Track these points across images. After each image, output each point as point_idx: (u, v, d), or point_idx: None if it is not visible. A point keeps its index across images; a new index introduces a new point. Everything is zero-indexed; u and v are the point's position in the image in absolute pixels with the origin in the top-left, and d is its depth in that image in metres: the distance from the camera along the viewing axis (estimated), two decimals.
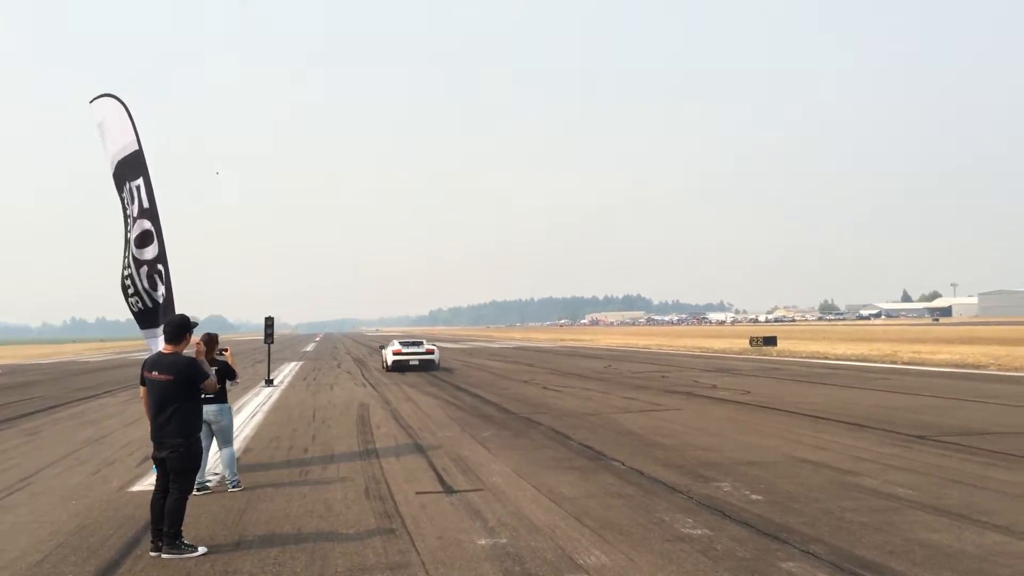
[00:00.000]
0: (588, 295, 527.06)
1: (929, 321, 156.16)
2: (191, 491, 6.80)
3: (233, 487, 9.22)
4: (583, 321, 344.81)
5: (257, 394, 22.87)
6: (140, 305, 9.98)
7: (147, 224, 9.89)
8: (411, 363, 33.91)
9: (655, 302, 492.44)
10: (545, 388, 22.82)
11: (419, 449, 12.06)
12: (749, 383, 22.89)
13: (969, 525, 7.11)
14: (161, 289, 9.71)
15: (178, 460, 6.59)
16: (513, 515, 7.72)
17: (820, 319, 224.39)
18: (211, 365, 9.45)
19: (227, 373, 9.58)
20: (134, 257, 9.93)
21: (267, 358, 29.54)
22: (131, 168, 10.05)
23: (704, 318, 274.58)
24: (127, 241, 10.13)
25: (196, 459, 6.79)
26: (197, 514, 8.01)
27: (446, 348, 63.51)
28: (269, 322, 27.48)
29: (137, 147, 10.06)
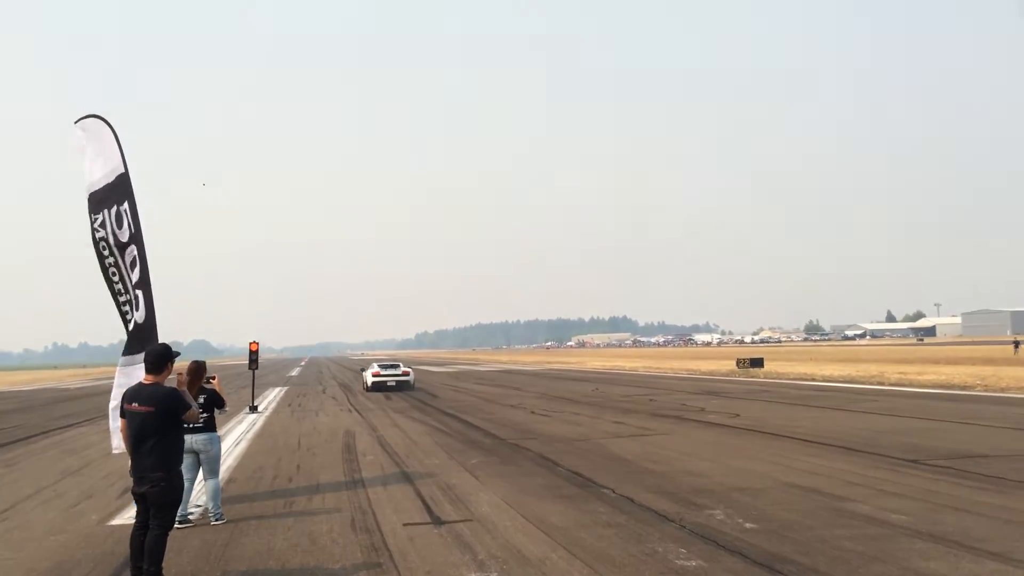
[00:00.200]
0: (574, 317, 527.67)
1: (914, 341, 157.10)
2: (172, 527, 6.60)
3: (216, 520, 9.01)
4: (569, 343, 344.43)
5: (241, 421, 22.58)
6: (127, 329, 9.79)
7: (135, 250, 9.71)
8: (388, 384, 36.54)
9: (641, 323, 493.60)
10: (533, 412, 22.65)
11: (406, 478, 11.87)
12: (738, 406, 22.80)
13: (965, 553, 7.01)
14: (138, 314, 9.51)
15: (159, 494, 6.40)
16: (503, 547, 7.55)
17: (805, 340, 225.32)
18: (199, 393, 9.29)
19: (215, 401, 9.42)
20: (131, 282, 9.70)
21: (251, 384, 29.20)
22: (118, 191, 9.85)
23: (690, 339, 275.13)
24: (117, 267, 9.89)
25: (178, 493, 6.59)
26: (179, 548, 7.82)
27: (432, 372, 63.22)
28: (253, 349, 27.18)
29: (123, 170, 9.87)
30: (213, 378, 9.70)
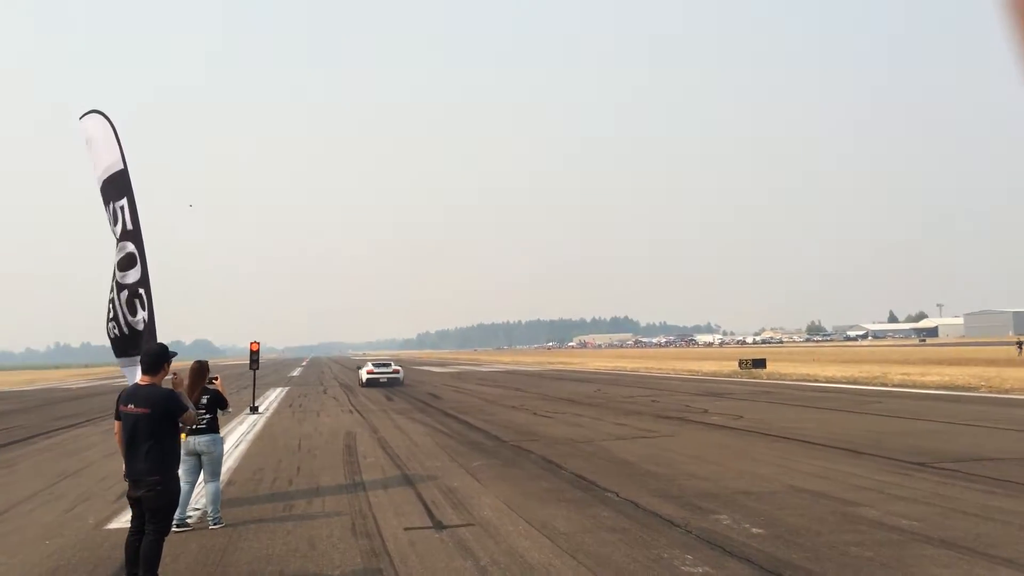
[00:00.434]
0: (575, 317, 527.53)
1: (916, 342, 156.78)
2: (168, 532, 6.46)
3: (215, 524, 8.87)
4: (571, 344, 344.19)
5: (242, 422, 22.44)
6: (116, 331, 9.64)
7: (130, 247, 9.57)
8: (381, 380, 41.06)
9: (642, 324, 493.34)
10: (535, 414, 22.51)
11: (407, 480, 11.73)
12: (741, 407, 22.65)
13: (978, 559, 6.86)
14: (141, 315, 9.38)
15: (155, 499, 6.26)
16: (506, 553, 7.41)
17: (807, 340, 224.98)
18: (202, 394, 9.17)
19: (218, 402, 9.29)
20: (116, 281, 9.61)
21: (252, 384, 29.08)
22: (116, 188, 9.75)
23: (692, 340, 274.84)
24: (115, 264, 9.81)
25: (174, 497, 6.46)
26: (176, 554, 7.69)
27: (433, 372, 63.12)
28: (254, 349, 27.07)
29: (122, 166, 9.76)
30: (216, 379, 9.58)
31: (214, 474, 9.20)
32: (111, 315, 9.65)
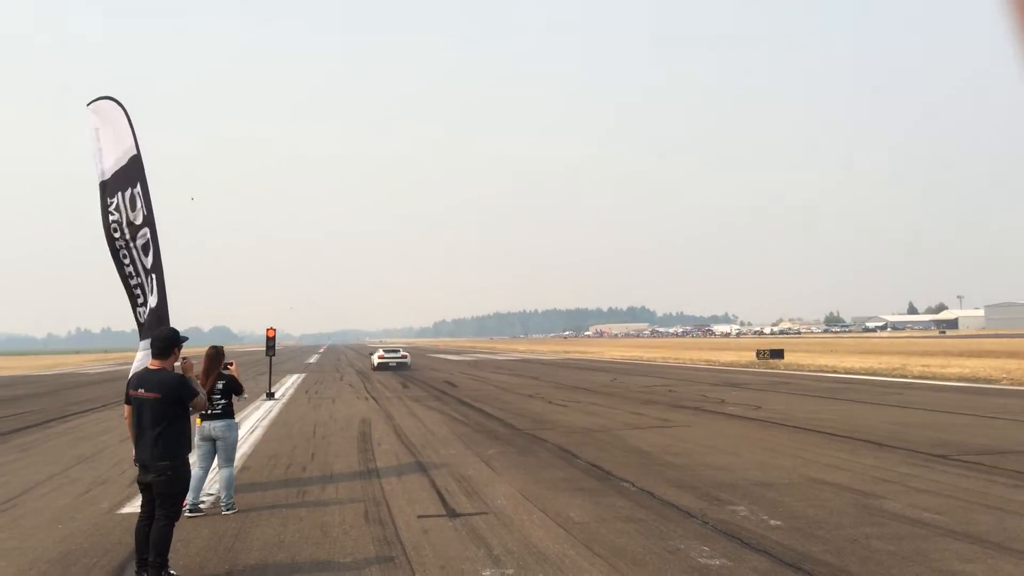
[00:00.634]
0: (592, 306, 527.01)
1: (936, 333, 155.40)
2: (178, 517, 6.40)
3: (227, 509, 8.83)
4: (587, 333, 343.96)
5: (258, 408, 22.49)
6: (146, 315, 9.59)
7: (147, 233, 9.52)
8: (390, 364, 46.49)
9: (659, 314, 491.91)
10: (550, 402, 22.40)
11: (421, 468, 11.66)
12: (759, 398, 22.45)
13: (1003, 554, 6.69)
14: (152, 299, 9.32)
15: (165, 484, 6.20)
16: (519, 542, 7.31)
17: (825, 331, 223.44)
18: (217, 379, 9.12)
19: (234, 388, 9.24)
20: (143, 267, 9.53)
21: (268, 371, 29.14)
22: (130, 174, 9.67)
23: (709, 330, 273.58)
24: (128, 249, 9.71)
25: (184, 483, 6.39)
26: (188, 539, 7.65)
27: (450, 360, 63.20)
28: (271, 335, 27.09)
29: (136, 152, 9.67)
30: (231, 364, 9.52)
31: (228, 460, 9.16)
32: (141, 300, 9.58)
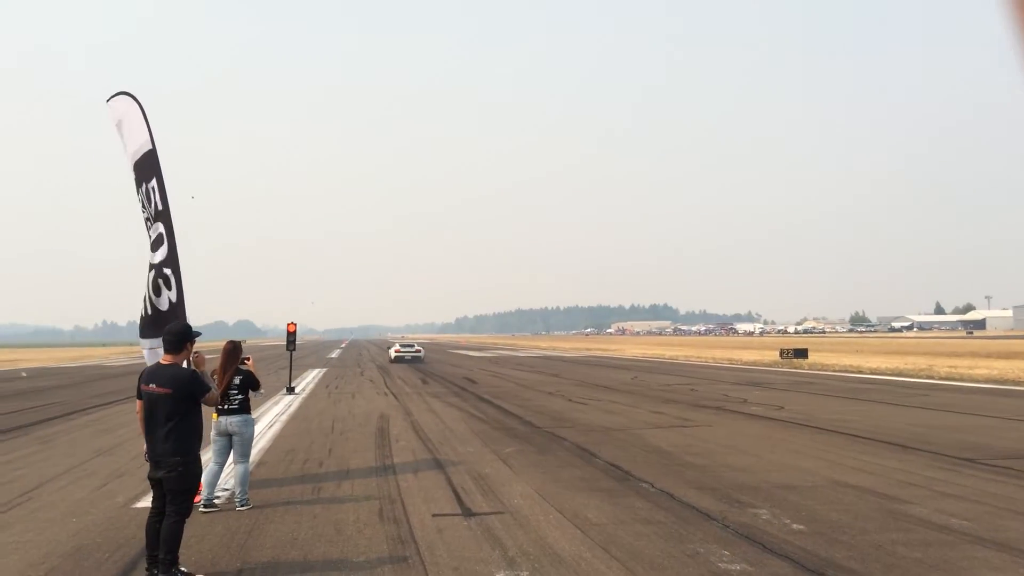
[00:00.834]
0: (614, 304, 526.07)
1: (963, 334, 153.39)
2: (189, 514, 6.32)
3: (242, 505, 8.76)
4: (609, 330, 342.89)
5: (277, 403, 22.50)
6: (144, 311, 9.57)
7: (161, 227, 9.49)
8: (406, 357, 52.68)
9: (682, 312, 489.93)
10: (570, 400, 22.25)
11: (438, 465, 11.55)
12: (782, 398, 22.18)
13: None
14: (167, 295, 9.28)
15: (176, 480, 6.12)
16: (535, 543, 7.17)
17: (851, 331, 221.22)
18: (235, 375, 9.05)
19: (251, 383, 9.17)
20: (149, 262, 9.54)
21: (289, 365, 29.21)
22: (146, 169, 9.67)
23: (732, 329, 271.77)
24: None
25: (195, 479, 6.31)
26: (201, 535, 7.59)
27: (471, 356, 63.19)
28: (291, 330, 27.12)
29: (151, 147, 9.66)
30: (248, 359, 9.45)
31: (244, 455, 9.09)
32: (145, 295, 9.59)
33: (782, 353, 47.42)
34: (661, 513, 8.33)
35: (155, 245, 9.50)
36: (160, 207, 9.43)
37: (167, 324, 8.72)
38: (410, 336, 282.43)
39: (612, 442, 13.62)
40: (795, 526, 7.72)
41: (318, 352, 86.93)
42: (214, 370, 9.11)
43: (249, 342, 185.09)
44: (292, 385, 27.07)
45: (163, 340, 6.54)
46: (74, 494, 9.74)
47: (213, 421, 9.02)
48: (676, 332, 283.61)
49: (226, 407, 8.96)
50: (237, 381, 9.07)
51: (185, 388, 6.20)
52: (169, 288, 9.23)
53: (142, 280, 9.62)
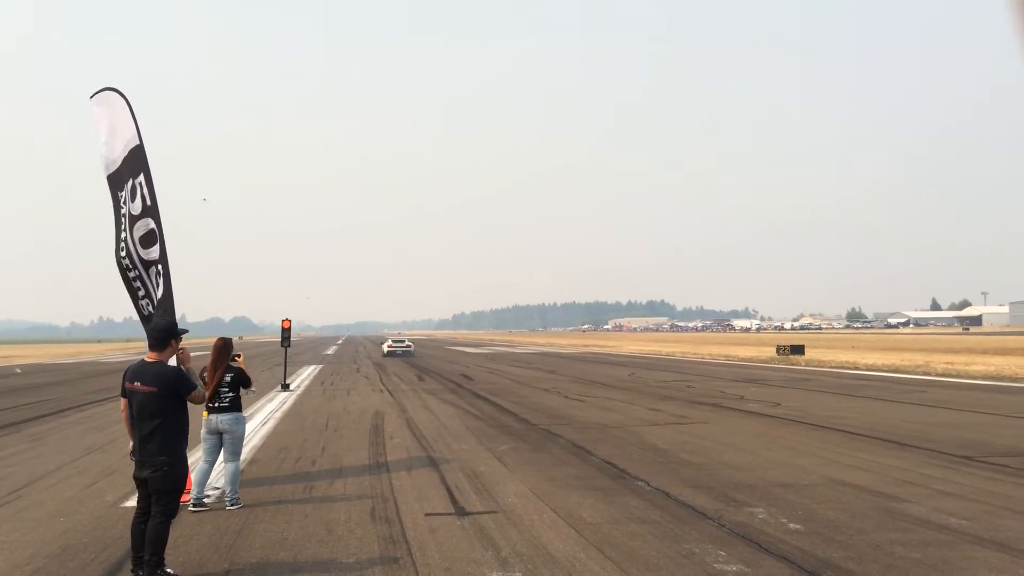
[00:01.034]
0: (611, 300, 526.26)
1: (959, 330, 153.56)
2: (175, 514, 6.20)
3: (232, 505, 8.64)
4: (606, 327, 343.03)
5: (271, 399, 22.39)
6: (151, 308, 9.44)
7: (151, 223, 9.36)
8: (397, 352, 56.98)
9: (679, 308, 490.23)
10: (567, 397, 22.16)
11: (432, 463, 11.44)
12: (778, 394, 22.09)
13: None
14: (158, 291, 9.17)
15: (162, 480, 6.00)
16: (529, 543, 7.07)
17: (847, 327, 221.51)
18: (226, 372, 8.92)
19: (242, 380, 9.04)
20: (141, 258, 9.40)
21: (283, 362, 29.09)
22: (133, 164, 9.53)
23: (729, 325, 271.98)
24: (126, 242, 9.59)
25: (181, 479, 6.19)
26: (189, 535, 7.48)
27: (467, 353, 63.10)
28: (286, 326, 27.01)
29: (139, 142, 9.53)
30: (238, 356, 9.32)
31: (234, 454, 8.96)
32: (142, 293, 9.44)
33: (779, 349, 47.37)
34: (656, 512, 8.23)
35: (146, 241, 9.37)
36: (149, 203, 9.30)
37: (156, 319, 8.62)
38: (407, 332, 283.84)
39: (608, 439, 13.53)
40: (792, 525, 7.63)
41: (315, 348, 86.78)
42: (204, 367, 8.99)
43: (245, 339, 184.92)
44: (287, 382, 26.96)
45: (147, 337, 6.42)
46: (63, 493, 9.62)
47: (203, 419, 8.90)
48: (673, 328, 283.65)
49: (217, 405, 8.83)
50: (228, 379, 8.94)
51: (170, 386, 6.08)
52: (158, 285, 9.11)
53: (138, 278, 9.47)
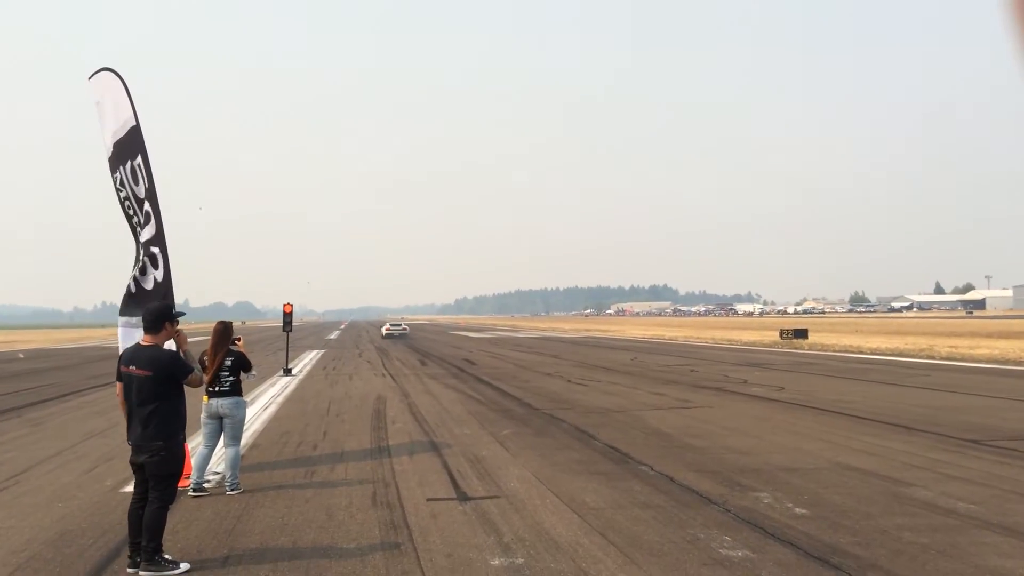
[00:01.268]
0: (614, 285, 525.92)
1: (963, 314, 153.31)
2: (173, 500, 6.12)
3: (232, 490, 8.56)
4: (609, 311, 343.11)
5: (274, 384, 22.33)
6: (128, 289, 9.34)
7: (148, 205, 9.26)
8: (394, 334, 61.01)
9: (682, 292, 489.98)
10: (569, 381, 22.08)
11: (434, 447, 11.36)
12: (782, 378, 22.00)
13: None
14: (153, 274, 9.06)
15: (158, 465, 5.91)
16: (531, 529, 6.98)
17: (850, 311, 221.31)
18: (226, 356, 8.82)
19: (242, 364, 8.94)
20: (140, 240, 9.31)
21: (285, 347, 29.04)
22: (130, 146, 9.41)
23: (732, 309, 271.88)
24: (132, 226, 9.53)
25: (179, 464, 6.09)
26: (189, 520, 7.40)
27: (470, 338, 63.11)
28: (287, 311, 26.91)
29: (135, 123, 9.40)
30: (238, 340, 9.22)
31: (235, 438, 8.87)
32: (132, 274, 9.37)
33: (782, 334, 47.28)
34: (660, 497, 8.14)
35: (143, 224, 9.27)
36: (147, 185, 9.18)
37: (142, 304, 8.50)
38: (409, 317, 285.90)
39: (611, 424, 13.44)
40: (798, 510, 7.53)
41: (317, 333, 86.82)
42: (205, 351, 8.89)
43: (248, 323, 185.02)
44: (289, 367, 26.90)
45: (142, 320, 6.31)
46: (62, 478, 9.56)
47: (203, 403, 8.81)
48: (676, 313, 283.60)
49: (217, 389, 8.74)
50: (228, 362, 8.84)
51: (166, 370, 5.98)
52: (156, 267, 9.00)
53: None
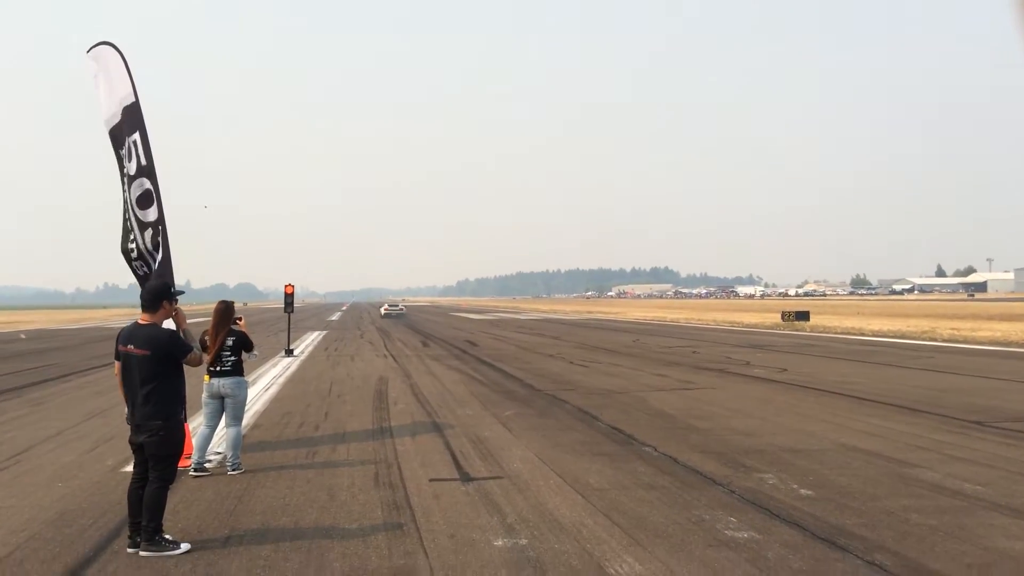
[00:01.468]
0: (615, 267, 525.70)
1: (964, 296, 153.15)
2: (173, 480, 6.06)
3: (234, 469, 8.51)
4: (610, 294, 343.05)
5: (275, 365, 22.30)
6: (144, 269, 9.24)
7: (147, 183, 9.13)
8: (392, 314, 68.83)
9: (683, 275, 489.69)
10: (572, 363, 22.03)
11: (436, 428, 11.31)
12: (784, 360, 21.94)
13: None
14: (158, 253, 8.98)
15: (158, 445, 5.84)
16: (534, 509, 6.92)
17: (852, 293, 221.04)
18: (228, 335, 8.75)
19: (244, 344, 8.86)
20: (137, 219, 9.19)
21: (287, 327, 28.99)
22: (129, 122, 9.28)
23: (733, 291, 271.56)
24: (126, 203, 9.40)
25: (178, 444, 6.02)
26: (190, 500, 7.36)
27: (472, 319, 63.11)
28: (289, 292, 26.84)
29: (134, 99, 9.27)
30: (239, 319, 9.14)
31: (236, 418, 8.81)
32: (135, 254, 9.25)
33: (783, 316, 47.21)
34: (665, 478, 8.09)
35: (143, 202, 9.15)
36: (144, 162, 9.07)
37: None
38: (411, 299, 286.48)
39: (614, 405, 13.39)
40: (803, 491, 7.47)
41: (319, 314, 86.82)
42: (206, 331, 8.81)
43: (250, 304, 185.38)
44: (291, 348, 26.86)
45: (140, 299, 6.23)
46: (62, 457, 9.51)
47: (205, 383, 8.75)
48: (677, 295, 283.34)
49: (218, 369, 8.67)
50: (230, 342, 8.77)
51: (164, 349, 5.91)
52: (161, 247, 8.92)
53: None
